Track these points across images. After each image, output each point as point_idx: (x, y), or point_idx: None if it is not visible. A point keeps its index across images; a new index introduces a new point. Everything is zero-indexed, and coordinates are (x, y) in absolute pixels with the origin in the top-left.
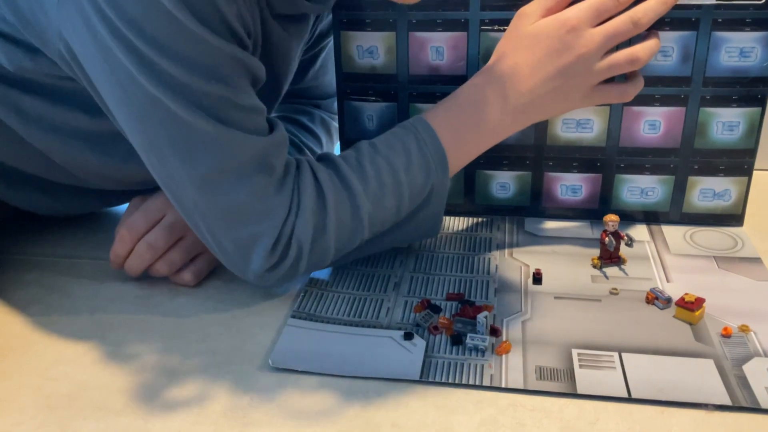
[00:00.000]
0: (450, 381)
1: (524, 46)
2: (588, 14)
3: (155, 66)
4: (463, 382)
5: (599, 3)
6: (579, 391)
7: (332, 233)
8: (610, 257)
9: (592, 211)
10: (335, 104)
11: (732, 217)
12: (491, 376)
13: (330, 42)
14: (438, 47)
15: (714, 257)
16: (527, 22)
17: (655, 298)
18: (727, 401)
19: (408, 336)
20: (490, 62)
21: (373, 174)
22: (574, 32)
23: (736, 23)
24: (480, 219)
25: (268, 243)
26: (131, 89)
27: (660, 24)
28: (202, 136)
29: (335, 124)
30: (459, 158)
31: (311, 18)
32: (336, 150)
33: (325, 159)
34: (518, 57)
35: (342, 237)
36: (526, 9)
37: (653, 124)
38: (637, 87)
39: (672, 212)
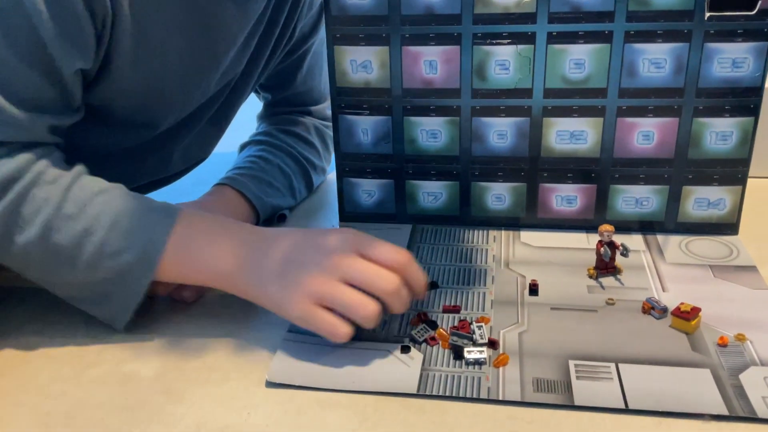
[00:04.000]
0: (447, 394)
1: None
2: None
3: None
4: (461, 395)
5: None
6: (576, 403)
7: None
8: (605, 267)
9: (588, 221)
10: (327, 110)
11: (727, 226)
12: (488, 388)
13: (315, 45)
14: (431, 61)
15: (710, 266)
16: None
17: (651, 308)
18: (724, 411)
19: (405, 349)
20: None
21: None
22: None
23: (729, 34)
24: (476, 231)
25: None
26: None
27: (652, 36)
28: None
29: (329, 132)
30: (176, 262)
31: None
32: (332, 161)
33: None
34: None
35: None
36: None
37: (647, 134)
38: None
39: (667, 222)
